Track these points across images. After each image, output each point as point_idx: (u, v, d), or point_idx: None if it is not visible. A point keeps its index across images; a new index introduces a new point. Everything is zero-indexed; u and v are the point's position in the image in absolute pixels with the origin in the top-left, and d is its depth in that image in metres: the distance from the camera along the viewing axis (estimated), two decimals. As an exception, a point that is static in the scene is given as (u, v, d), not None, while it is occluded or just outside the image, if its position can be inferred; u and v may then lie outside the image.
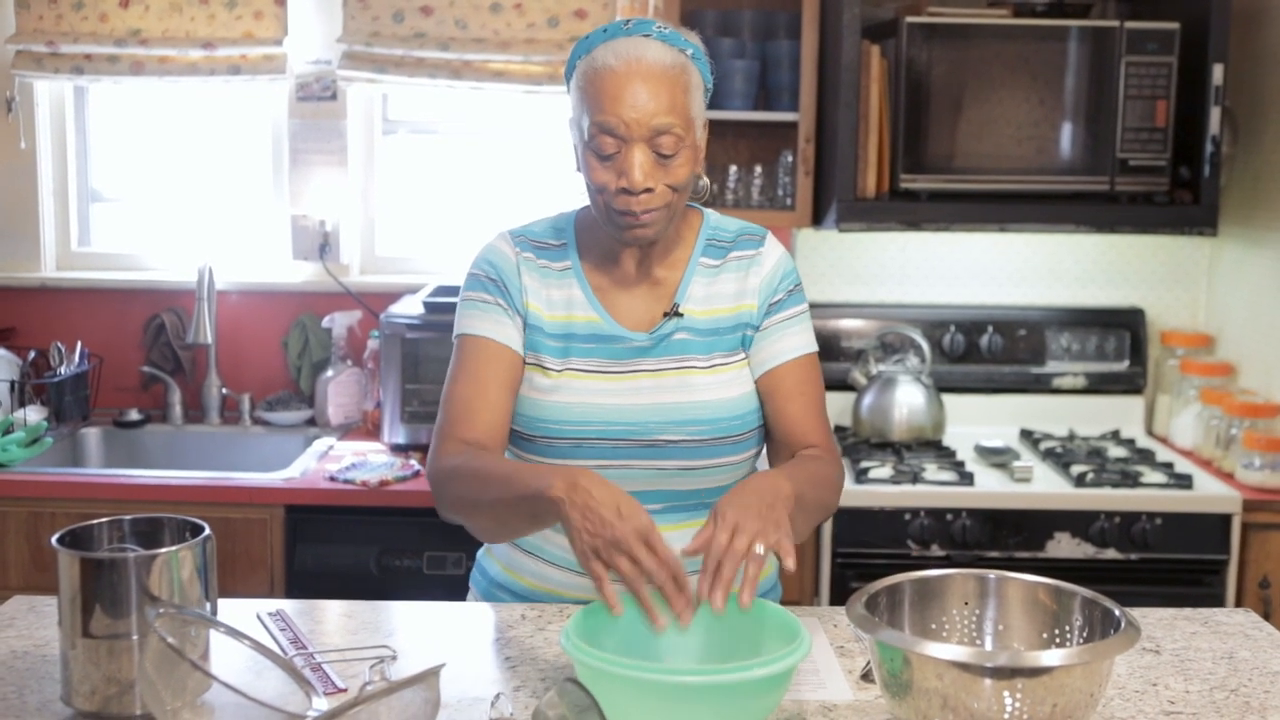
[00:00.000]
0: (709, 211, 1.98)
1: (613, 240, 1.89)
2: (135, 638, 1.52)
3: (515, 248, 1.93)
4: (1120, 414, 3.63)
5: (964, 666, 1.35)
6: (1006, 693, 1.35)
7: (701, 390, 1.88)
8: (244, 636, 1.56)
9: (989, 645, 1.58)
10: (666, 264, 1.92)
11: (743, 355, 1.92)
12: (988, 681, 1.35)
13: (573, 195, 1.90)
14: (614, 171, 1.77)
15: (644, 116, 1.74)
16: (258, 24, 3.55)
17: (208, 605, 1.61)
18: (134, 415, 3.58)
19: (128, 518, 1.67)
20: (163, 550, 1.55)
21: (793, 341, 1.93)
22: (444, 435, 1.87)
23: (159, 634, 1.43)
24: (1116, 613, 1.48)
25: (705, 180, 1.95)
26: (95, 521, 1.65)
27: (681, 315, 1.89)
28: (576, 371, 1.87)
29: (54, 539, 1.57)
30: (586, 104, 1.78)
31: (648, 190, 1.76)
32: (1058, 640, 1.55)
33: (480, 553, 2.08)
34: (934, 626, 1.59)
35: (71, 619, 1.53)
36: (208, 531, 1.62)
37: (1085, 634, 1.52)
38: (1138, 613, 1.90)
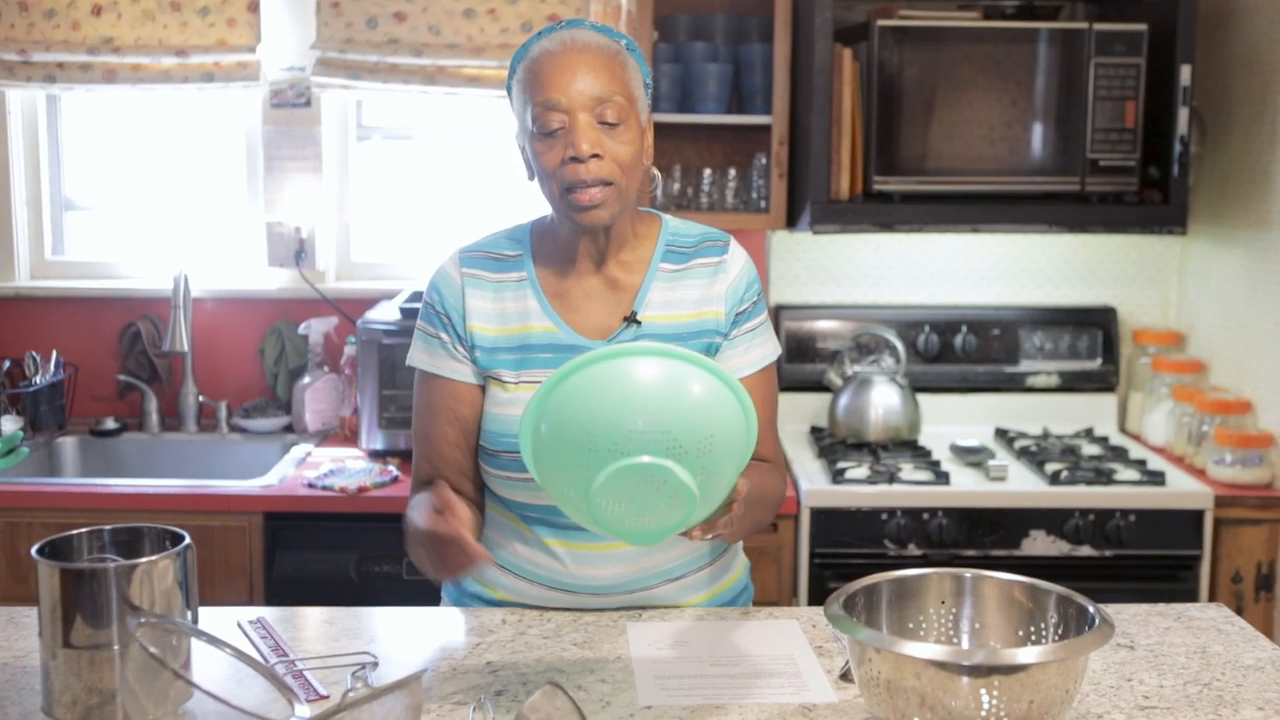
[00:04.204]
0: (667, 216, 1.99)
1: (570, 242, 1.89)
2: (116, 648, 1.53)
3: (462, 268, 1.93)
4: (1093, 412, 3.67)
5: (941, 665, 1.37)
6: (984, 690, 1.36)
7: None
8: (225, 645, 1.56)
9: (966, 644, 1.60)
10: (624, 266, 1.92)
11: None
12: (965, 680, 1.37)
13: (538, 199, 1.91)
14: (561, 145, 1.79)
15: (585, 87, 1.78)
16: (231, 31, 3.55)
17: (188, 614, 1.61)
18: (110, 424, 3.57)
19: (108, 527, 1.68)
20: (143, 560, 1.55)
21: (757, 353, 1.95)
22: (412, 477, 1.99)
23: (141, 644, 1.43)
24: (1091, 609, 1.50)
25: (656, 173, 1.97)
26: (75, 532, 1.65)
27: (639, 323, 1.90)
28: (532, 384, 1.87)
29: (34, 550, 1.57)
30: (528, 91, 1.82)
31: (596, 157, 1.78)
32: (1033, 638, 1.57)
33: None
34: (911, 626, 1.61)
35: (52, 629, 1.53)
36: (188, 540, 1.62)
37: (1060, 631, 1.54)
38: (1112, 609, 1.93)
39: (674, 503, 1.46)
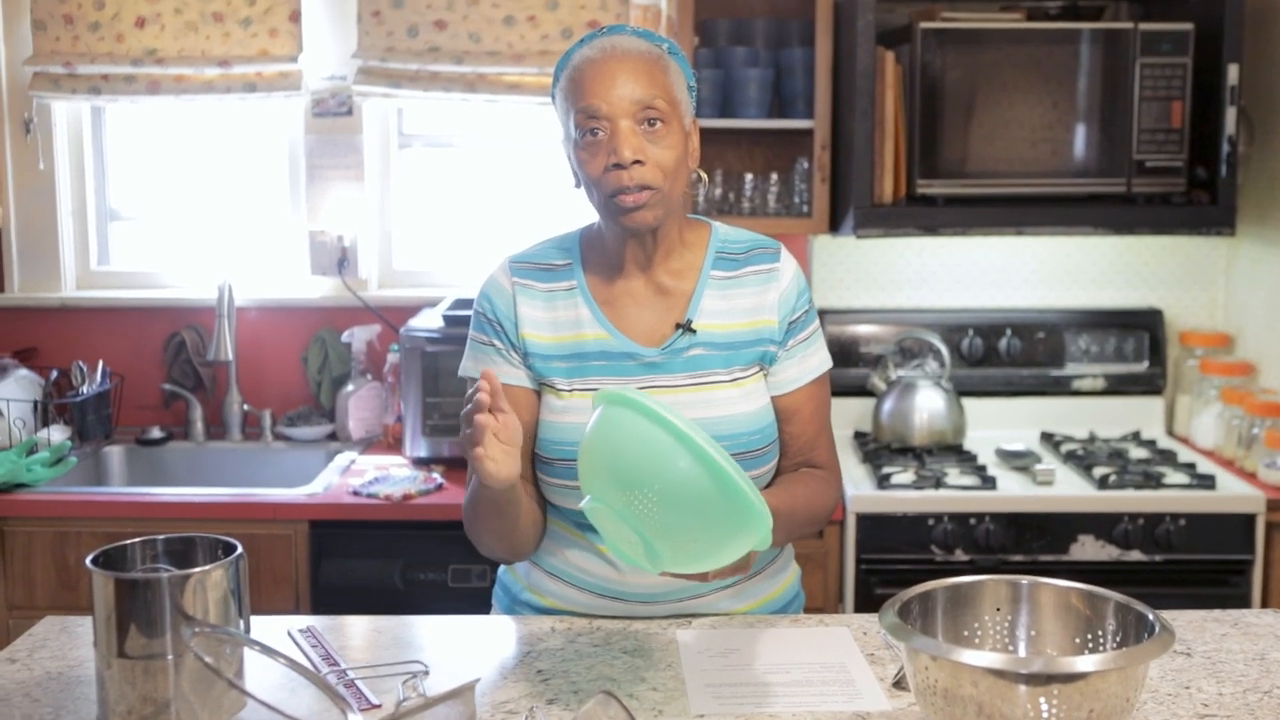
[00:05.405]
0: (716, 223, 1.99)
1: (617, 248, 1.90)
2: (170, 657, 1.53)
3: (512, 276, 1.93)
4: (1140, 415, 3.63)
5: (999, 673, 1.35)
6: (1043, 699, 1.35)
7: (722, 405, 1.87)
8: (278, 654, 1.56)
9: (1022, 651, 1.58)
10: (673, 272, 1.92)
11: (758, 369, 1.92)
12: (1023, 688, 1.35)
13: (582, 206, 1.91)
14: (604, 153, 1.79)
15: (626, 92, 1.78)
16: (273, 41, 3.57)
17: (241, 623, 1.62)
18: (156, 433, 3.60)
19: (160, 537, 1.68)
20: (196, 570, 1.56)
21: (813, 361, 1.95)
22: (468, 483, 1.93)
23: (196, 653, 1.44)
24: (1150, 617, 1.48)
25: (702, 175, 1.97)
26: (128, 542, 1.66)
27: (694, 331, 1.89)
28: (585, 391, 1.87)
29: (88, 560, 1.58)
30: (571, 98, 1.82)
31: (638, 163, 1.78)
32: (1091, 646, 1.55)
33: (502, 570, 2.09)
34: (966, 633, 1.59)
35: (107, 639, 1.54)
36: (240, 550, 1.62)
37: (1119, 639, 1.52)
38: (1166, 615, 1.90)
39: (631, 546, 1.54)
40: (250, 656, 1.61)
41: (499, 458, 1.64)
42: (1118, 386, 3.64)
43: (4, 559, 3.04)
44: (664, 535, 1.49)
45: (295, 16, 3.57)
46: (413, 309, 3.60)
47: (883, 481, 3.11)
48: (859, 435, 3.56)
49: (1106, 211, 3.28)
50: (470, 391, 1.65)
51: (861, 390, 3.58)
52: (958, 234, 3.32)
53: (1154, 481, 3.09)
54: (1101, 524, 3.04)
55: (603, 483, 1.53)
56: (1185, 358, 3.64)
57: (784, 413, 1.93)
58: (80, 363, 3.54)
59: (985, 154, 3.25)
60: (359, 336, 3.62)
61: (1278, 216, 3.38)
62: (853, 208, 3.25)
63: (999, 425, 3.59)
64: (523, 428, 1.89)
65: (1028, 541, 3.04)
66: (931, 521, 3.04)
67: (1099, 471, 3.17)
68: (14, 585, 3.05)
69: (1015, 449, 3.30)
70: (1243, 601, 3.02)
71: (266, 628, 1.88)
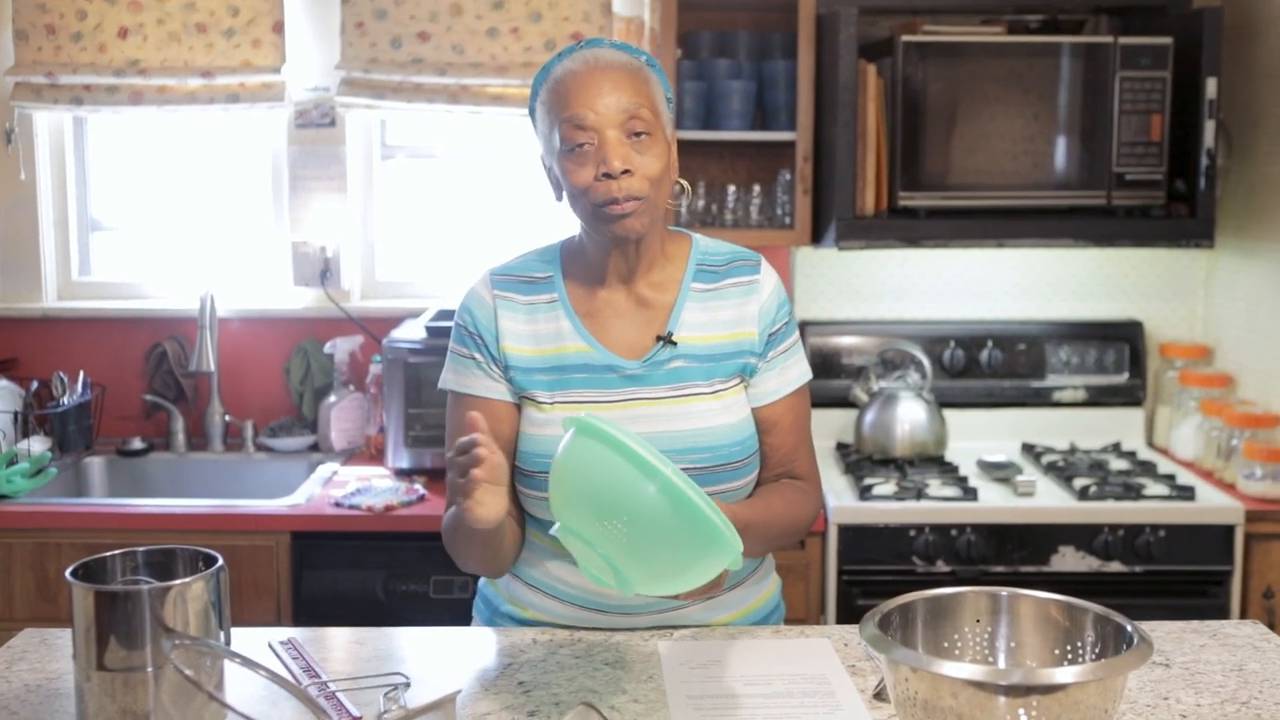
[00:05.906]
0: (697, 235, 2.00)
1: (599, 260, 1.90)
2: (150, 670, 1.52)
3: (494, 289, 1.94)
4: (1120, 426, 3.65)
5: (979, 685, 1.36)
6: (1022, 710, 1.35)
7: (703, 417, 1.88)
8: (259, 667, 1.56)
9: (1002, 663, 1.59)
10: (655, 285, 1.92)
11: (739, 381, 1.92)
12: (1002, 699, 1.36)
13: (565, 218, 1.91)
14: (592, 163, 1.80)
15: (612, 102, 1.79)
16: (256, 52, 3.57)
17: (221, 635, 1.61)
18: (137, 444, 3.59)
19: (141, 549, 1.68)
20: (176, 582, 1.55)
21: (793, 373, 1.96)
22: (448, 500, 1.94)
23: (176, 665, 1.44)
24: (1129, 628, 1.49)
25: (685, 184, 1.97)
26: (108, 554, 1.65)
27: (675, 343, 1.90)
28: (567, 404, 1.88)
29: (68, 572, 1.58)
30: (555, 109, 1.82)
31: (626, 173, 1.78)
32: (1070, 657, 1.56)
33: (482, 582, 2.08)
34: (946, 645, 1.60)
35: (86, 652, 1.53)
36: (220, 562, 1.62)
37: (1098, 650, 1.53)
38: (1145, 626, 1.91)
39: (601, 570, 1.53)
40: (231, 669, 1.61)
41: (488, 501, 1.63)
42: (1098, 398, 3.66)
43: (-17, 570, 3.04)
44: (633, 562, 1.50)
45: (278, 27, 3.57)
46: (395, 320, 3.60)
47: (864, 493, 3.12)
48: (841, 446, 3.57)
49: (1086, 224, 3.30)
50: (462, 443, 1.63)
51: (843, 402, 3.59)
52: (939, 246, 3.34)
53: (1134, 493, 3.11)
54: (1082, 535, 3.05)
55: (572, 510, 1.53)
56: (1165, 369, 3.66)
57: (764, 424, 1.94)
58: (61, 373, 3.52)
59: (966, 167, 3.27)
60: (341, 347, 3.62)
61: (1256, 229, 3.40)
62: (835, 220, 3.26)
63: (980, 436, 3.60)
64: (503, 442, 1.90)
65: (1009, 553, 3.05)
66: (913, 532, 3.04)
67: (1079, 483, 3.18)
68: (-7, 597, 3.04)
69: (996, 460, 3.32)
70: (1221, 612, 3.04)
71: (247, 639, 1.88)
